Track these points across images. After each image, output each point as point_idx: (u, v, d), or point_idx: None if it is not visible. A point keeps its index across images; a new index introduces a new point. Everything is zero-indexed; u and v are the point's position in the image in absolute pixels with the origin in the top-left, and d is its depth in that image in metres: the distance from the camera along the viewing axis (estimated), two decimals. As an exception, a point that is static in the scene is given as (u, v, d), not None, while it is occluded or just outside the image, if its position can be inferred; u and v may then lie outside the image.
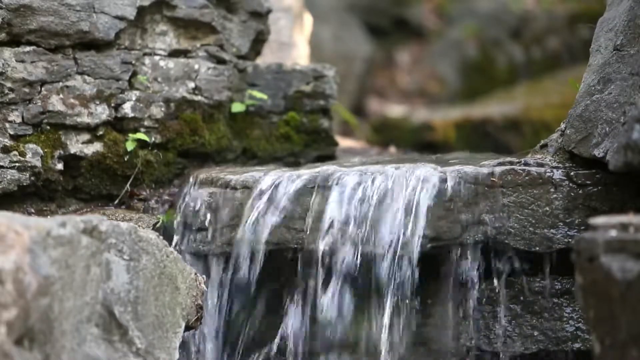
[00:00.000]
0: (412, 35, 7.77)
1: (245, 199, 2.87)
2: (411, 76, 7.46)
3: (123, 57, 3.08)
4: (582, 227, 2.69)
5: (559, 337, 2.75)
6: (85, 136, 3.04)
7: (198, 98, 3.20)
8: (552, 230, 2.73)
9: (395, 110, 6.80)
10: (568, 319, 2.75)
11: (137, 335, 2.31)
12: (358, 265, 2.74)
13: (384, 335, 2.75)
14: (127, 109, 3.08)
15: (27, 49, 2.94)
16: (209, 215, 2.91)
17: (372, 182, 2.78)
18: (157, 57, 3.16)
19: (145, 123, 3.12)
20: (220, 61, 3.26)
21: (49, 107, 2.96)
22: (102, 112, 3.04)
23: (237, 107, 3.29)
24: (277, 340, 2.86)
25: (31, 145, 2.93)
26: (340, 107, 4.31)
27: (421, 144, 5.79)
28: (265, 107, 3.34)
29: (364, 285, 2.75)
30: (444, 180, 2.75)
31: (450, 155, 3.49)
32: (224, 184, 2.93)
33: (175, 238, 2.96)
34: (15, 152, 2.90)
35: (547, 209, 2.74)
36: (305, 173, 2.87)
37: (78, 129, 3.02)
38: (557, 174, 2.76)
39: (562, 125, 2.89)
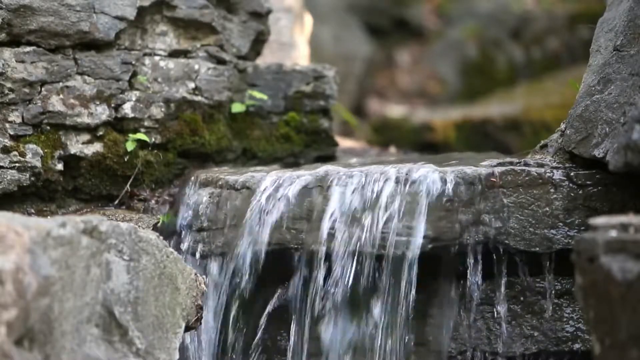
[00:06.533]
0: (412, 35, 7.77)
1: (245, 200, 2.87)
2: (411, 76, 7.46)
3: (123, 57, 3.08)
4: (582, 228, 2.69)
5: (559, 337, 2.75)
6: (85, 136, 3.04)
7: (198, 98, 3.20)
8: (552, 231, 2.73)
9: (395, 110, 6.80)
10: (568, 320, 2.75)
11: (137, 336, 2.31)
12: (358, 266, 2.74)
13: (384, 335, 2.75)
14: (127, 109, 3.08)
15: (27, 49, 2.94)
16: (209, 216, 2.91)
17: (372, 182, 2.78)
18: (157, 58, 3.16)
19: (145, 123, 3.12)
20: (221, 61, 3.26)
21: (49, 108, 2.96)
22: (102, 112, 3.04)
23: (237, 108, 3.29)
24: (277, 339, 2.86)
25: (31, 146, 2.93)
26: (340, 107, 4.31)
27: (421, 144, 5.79)
28: (265, 108, 3.34)
29: (364, 285, 2.75)
30: (444, 181, 2.75)
31: (450, 155, 3.49)
32: (224, 184, 2.93)
33: (175, 238, 2.95)
34: (15, 153, 2.90)
35: (547, 209, 2.74)
36: (306, 173, 2.87)
37: (78, 129, 3.02)
38: (557, 175, 2.76)
39: (562, 126, 2.89)
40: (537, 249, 2.73)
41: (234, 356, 2.87)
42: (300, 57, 4.43)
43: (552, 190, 2.75)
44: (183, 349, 2.82)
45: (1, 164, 2.88)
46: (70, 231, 2.16)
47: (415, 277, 2.71)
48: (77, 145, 3.03)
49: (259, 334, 2.87)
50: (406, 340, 2.76)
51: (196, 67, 3.21)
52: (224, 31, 3.27)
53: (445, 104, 6.98)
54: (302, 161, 3.35)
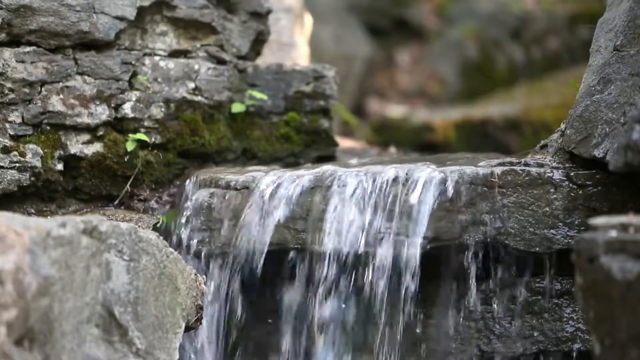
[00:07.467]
0: (412, 35, 7.77)
1: (245, 200, 2.87)
2: (411, 76, 7.46)
3: (123, 57, 3.08)
4: (582, 228, 2.70)
5: (559, 337, 2.75)
6: (85, 136, 3.04)
7: (198, 98, 3.20)
8: (552, 231, 2.73)
9: (395, 110, 6.80)
10: (568, 320, 2.75)
11: (137, 336, 2.31)
12: (358, 265, 2.75)
13: (384, 335, 2.75)
14: (127, 109, 3.08)
15: (27, 49, 2.94)
16: (209, 216, 2.91)
17: (372, 182, 2.78)
18: (157, 58, 3.16)
19: (145, 123, 3.12)
20: (220, 61, 3.26)
21: (49, 108, 2.96)
22: (102, 112, 3.04)
23: (237, 108, 3.29)
24: (277, 339, 2.86)
25: (31, 146, 2.93)
26: (340, 107, 4.31)
27: (421, 144, 5.79)
28: (266, 108, 3.34)
29: (364, 285, 2.75)
30: (444, 181, 2.75)
31: (450, 155, 3.49)
32: (224, 184, 2.93)
33: (175, 238, 2.95)
34: (15, 153, 2.90)
35: (547, 209, 2.74)
36: (306, 173, 2.87)
37: (78, 129, 3.02)
38: (557, 175, 2.77)
39: (562, 126, 2.89)
40: (537, 249, 2.73)
41: (234, 356, 2.87)
42: (300, 57, 4.43)
43: (552, 190, 2.75)
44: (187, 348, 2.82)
45: (1, 164, 2.88)
46: (70, 231, 2.16)
47: (415, 277, 2.71)
48: (77, 145, 3.03)
49: (258, 334, 2.87)
50: (406, 340, 2.76)
51: (196, 67, 3.21)
52: (224, 31, 3.27)
53: (445, 104, 6.98)
54: (302, 161, 3.35)
